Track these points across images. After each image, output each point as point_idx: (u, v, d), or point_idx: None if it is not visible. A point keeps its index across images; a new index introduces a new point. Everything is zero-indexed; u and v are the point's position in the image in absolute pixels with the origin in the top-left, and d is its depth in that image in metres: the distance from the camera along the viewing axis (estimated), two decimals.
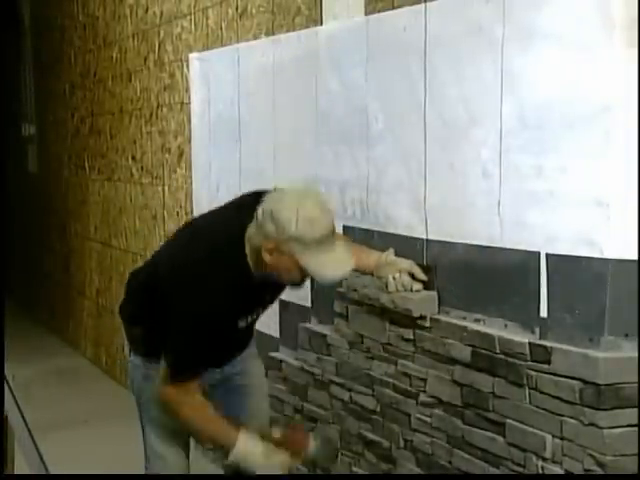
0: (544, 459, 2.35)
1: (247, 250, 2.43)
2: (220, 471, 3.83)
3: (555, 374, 2.30)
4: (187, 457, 2.79)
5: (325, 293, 3.30)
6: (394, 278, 2.75)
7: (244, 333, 2.70)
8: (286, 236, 2.31)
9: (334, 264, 2.37)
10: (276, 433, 2.59)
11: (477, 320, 2.62)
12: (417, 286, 2.76)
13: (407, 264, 2.76)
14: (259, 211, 2.37)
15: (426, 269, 2.78)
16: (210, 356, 2.51)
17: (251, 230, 2.41)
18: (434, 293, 2.77)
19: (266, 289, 2.56)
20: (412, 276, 2.76)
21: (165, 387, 2.51)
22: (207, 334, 2.41)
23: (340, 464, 3.23)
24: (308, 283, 3.42)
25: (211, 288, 2.39)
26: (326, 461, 2.69)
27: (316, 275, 2.40)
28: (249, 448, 2.50)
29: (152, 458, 2.76)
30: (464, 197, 2.65)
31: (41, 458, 2.57)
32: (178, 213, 4.80)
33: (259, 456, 2.50)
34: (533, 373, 2.37)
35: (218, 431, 2.55)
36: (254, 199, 2.43)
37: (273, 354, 3.57)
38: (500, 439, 2.49)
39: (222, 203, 2.71)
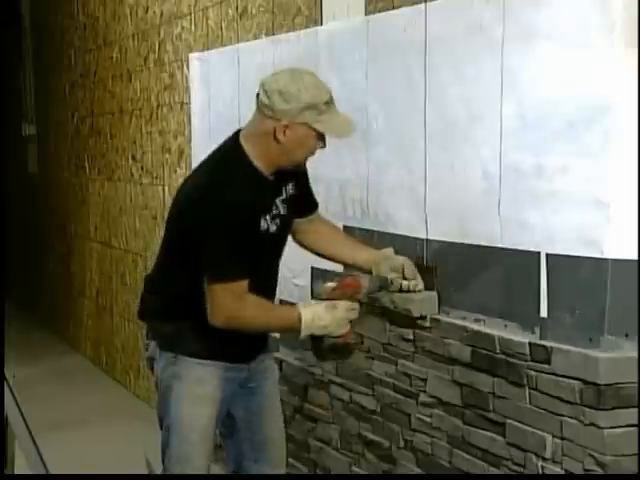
0: (544, 459, 2.34)
1: (251, 153, 2.54)
2: (222, 471, 3.83)
3: (555, 374, 2.30)
4: (209, 458, 2.75)
5: None
6: (401, 282, 2.75)
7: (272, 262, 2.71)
8: (300, 105, 2.45)
9: (345, 123, 2.56)
10: (328, 286, 2.64)
11: (477, 320, 2.62)
12: (420, 286, 2.76)
13: (401, 260, 2.75)
14: (262, 99, 2.50)
15: (427, 269, 2.78)
16: (245, 261, 2.50)
17: (253, 127, 2.55)
18: (434, 293, 2.77)
19: (279, 190, 2.62)
20: (402, 273, 2.75)
21: (217, 306, 2.50)
22: (234, 231, 2.45)
23: (340, 464, 3.23)
24: (308, 283, 3.43)
25: (224, 191, 2.48)
26: (381, 289, 2.72)
27: (334, 134, 2.55)
28: (312, 311, 2.56)
29: (174, 460, 2.69)
30: (464, 197, 2.65)
31: (41, 458, 2.57)
32: None
33: (325, 313, 2.55)
34: (533, 373, 2.37)
35: (280, 315, 2.65)
36: None
37: (273, 354, 3.57)
38: (500, 439, 2.49)
39: None
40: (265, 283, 2.65)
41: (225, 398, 2.70)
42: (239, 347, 2.66)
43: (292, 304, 2.73)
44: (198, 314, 2.54)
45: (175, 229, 2.65)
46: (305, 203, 2.78)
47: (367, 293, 2.69)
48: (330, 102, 2.51)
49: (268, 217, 2.58)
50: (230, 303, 2.50)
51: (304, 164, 2.66)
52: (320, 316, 2.55)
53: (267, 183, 2.58)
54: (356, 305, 2.62)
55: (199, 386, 2.64)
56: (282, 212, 2.63)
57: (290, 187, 2.66)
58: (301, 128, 2.49)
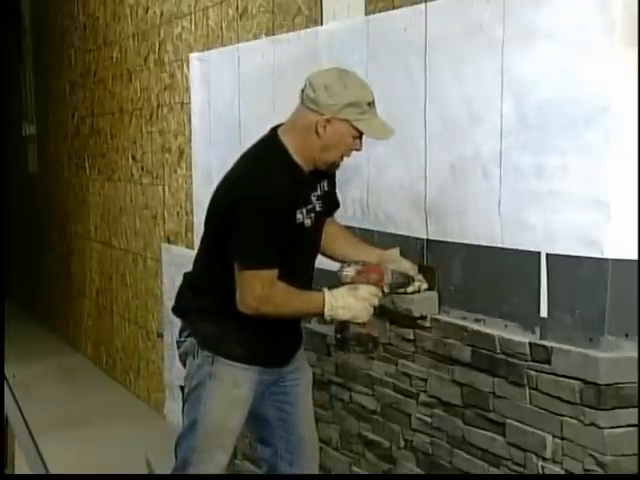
0: (544, 459, 2.35)
1: (290, 146, 2.56)
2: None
3: (555, 374, 2.30)
4: (229, 457, 2.76)
5: None
6: (413, 279, 2.76)
7: (308, 263, 2.73)
8: (344, 102, 2.48)
9: (384, 126, 2.57)
10: (352, 270, 2.64)
11: (477, 320, 2.62)
12: (425, 286, 2.76)
13: (408, 266, 2.76)
14: (308, 92, 2.51)
15: (427, 269, 2.78)
16: (279, 252, 2.51)
17: (294, 121, 2.57)
18: (434, 293, 2.77)
19: (315, 185, 2.64)
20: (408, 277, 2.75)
21: (246, 293, 2.51)
22: (270, 220, 2.46)
23: (340, 464, 3.23)
24: None
25: (263, 180, 2.50)
26: (402, 287, 2.74)
27: (373, 135, 2.57)
28: (335, 292, 2.57)
29: (197, 451, 2.68)
30: (464, 197, 2.65)
31: (41, 458, 2.56)
32: (178, 213, 4.80)
33: (347, 294, 2.57)
34: (533, 373, 2.37)
35: (307, 300, 2.63)
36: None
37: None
38: (500, 439, 2.49)
39: None
40: (300, 279, 2.64)
41: (255, 399, 2.71)
42: (277, 352, 2.70)
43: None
44: (240, 316, 2.55)
45: (215, 222, 2.65)
46: (330, 203, 2.78)
47: (390, 286, 2.69)
48: (372, 104, 2.52)
49: (304, 210, 2.59)
50: (259, 290, 2.51)
51: (337, 166, 2.65)
52: (342, 296, 2.56)
53: (305, 177, 2.59)
54: (379, 292, 2.62)
55: (234, 388, 2.65)
56: (317, 208, 2.64)
57: (324, 184, 2.68)
58: (342, 125, 2.50)
